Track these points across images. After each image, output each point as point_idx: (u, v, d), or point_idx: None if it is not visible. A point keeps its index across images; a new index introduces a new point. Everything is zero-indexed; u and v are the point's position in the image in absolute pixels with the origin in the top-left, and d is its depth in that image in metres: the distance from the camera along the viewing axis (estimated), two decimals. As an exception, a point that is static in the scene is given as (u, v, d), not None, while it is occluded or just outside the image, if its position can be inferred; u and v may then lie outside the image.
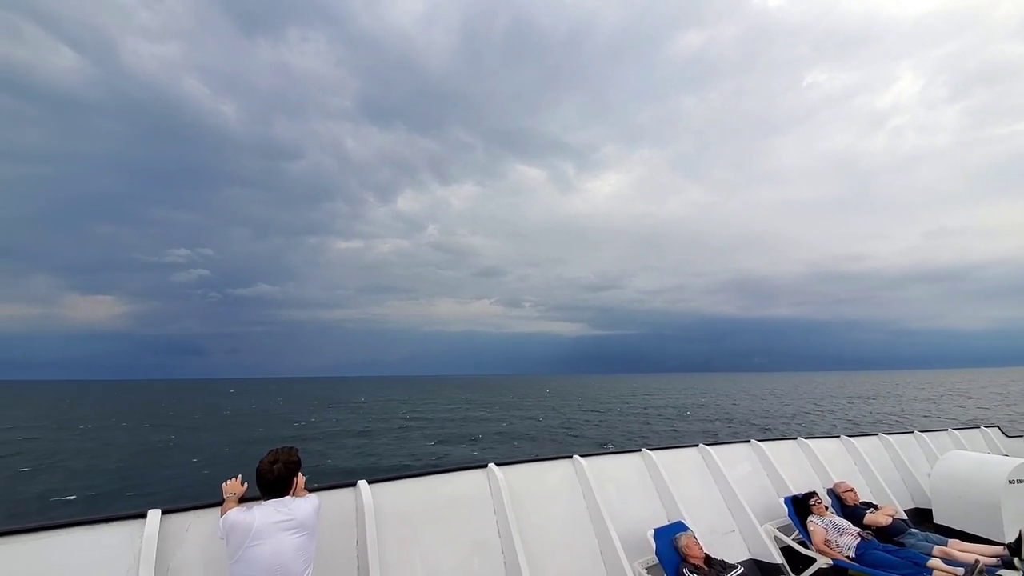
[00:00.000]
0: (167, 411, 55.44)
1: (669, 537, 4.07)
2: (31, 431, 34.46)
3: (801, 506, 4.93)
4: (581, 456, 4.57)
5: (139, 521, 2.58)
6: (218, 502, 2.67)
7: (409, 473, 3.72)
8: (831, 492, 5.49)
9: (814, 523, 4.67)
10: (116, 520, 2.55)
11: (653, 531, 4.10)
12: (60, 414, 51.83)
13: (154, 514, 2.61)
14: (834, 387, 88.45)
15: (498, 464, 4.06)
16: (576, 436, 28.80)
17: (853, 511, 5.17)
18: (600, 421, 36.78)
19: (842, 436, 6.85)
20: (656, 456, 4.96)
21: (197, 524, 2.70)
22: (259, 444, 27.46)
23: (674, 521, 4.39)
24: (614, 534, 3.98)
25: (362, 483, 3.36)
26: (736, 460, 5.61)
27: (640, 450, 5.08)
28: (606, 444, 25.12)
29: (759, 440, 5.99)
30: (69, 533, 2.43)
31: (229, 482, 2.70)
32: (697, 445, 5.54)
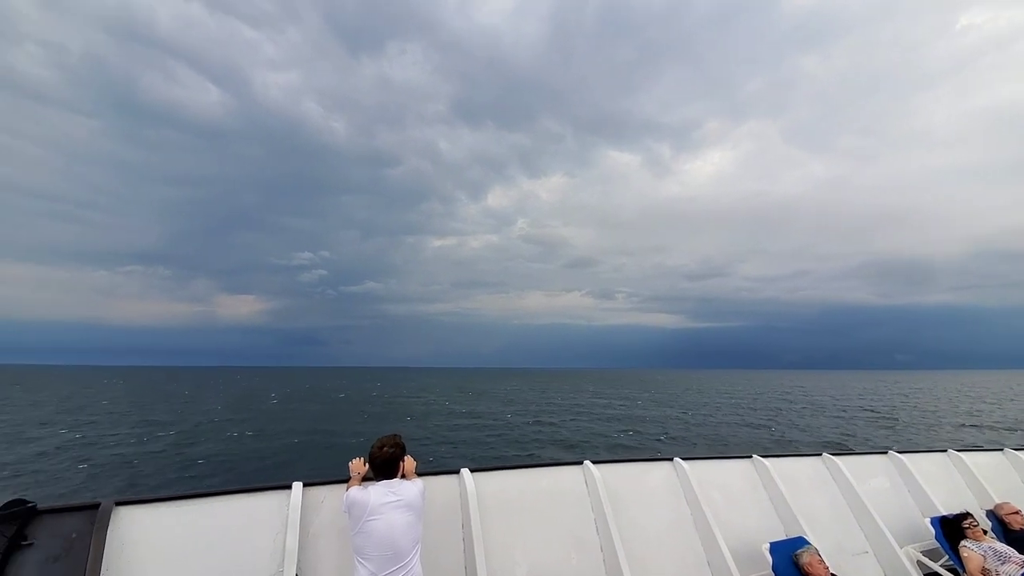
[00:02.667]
0: (310, 393, 63.85)
1: (788, 553, 3.76)
2: (236, 410, 41.44)
3: (953, 528, 4.26)
4: (683, 459, 4.39)
5: (286, 491, 3.02)
6: (346, 479, 3.04)
7: (508, 465, 3.86)
8: (991, 514, 4.69)
9: (969, 548, 4.00)
10: (269, 489, 3.02)
11: (769, 545, 3.83)
12: (251, 393, 62.56)
13: (297, 486, 3.04)
14: (998, 389, 73.33)
15: (594, 462, 4.06)
16: (673, 437, 27.52)
17: (1019, 537, 4.35)
18: (701, 421, 34.62)
19: (1006, 449, 5.77)
20: (770, 464, 4.59)
21: (330, 497, 3.10)
22: (377, 428, 30.39)
23: (794, 536, 4.05)
24: (723, 544, 3.79)
25: (465, 471, 3.58)
26: (870, 473, 5.01)
27: (751, 456, 4.74)
28: (715, 446, 23.68)
29: (899, 452, 5.25)
30: (237, 498, 2.94)
31: (355, 462, 3.04)
32: (820, 454, 5.03)
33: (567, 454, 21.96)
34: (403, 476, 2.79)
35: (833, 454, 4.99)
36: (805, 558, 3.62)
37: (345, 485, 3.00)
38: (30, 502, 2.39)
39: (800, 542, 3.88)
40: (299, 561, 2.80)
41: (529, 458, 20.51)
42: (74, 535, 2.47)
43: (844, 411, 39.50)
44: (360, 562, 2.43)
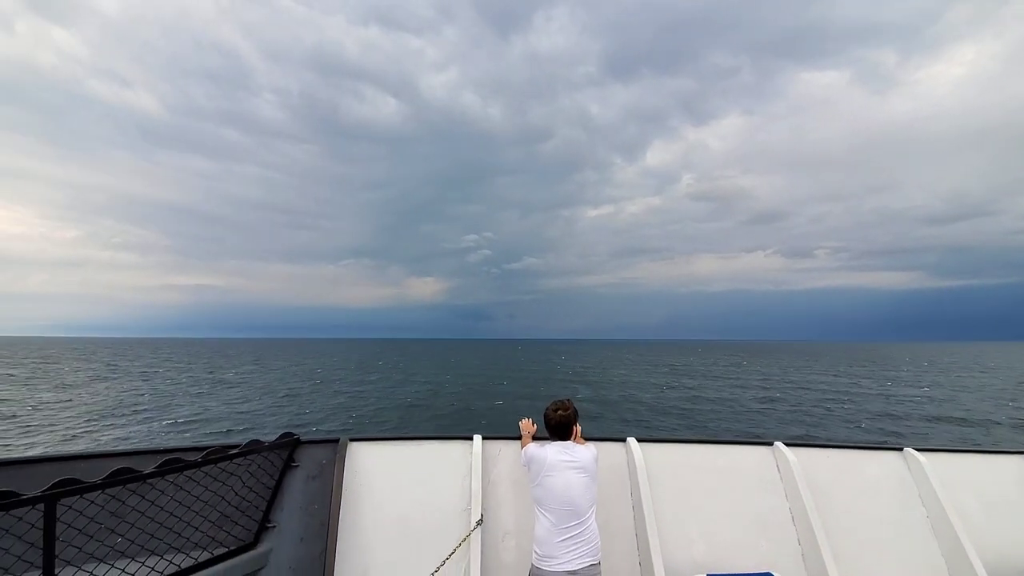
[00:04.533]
0: (491, 363, 72.48)
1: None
2: (440, 372, 51.00)
3: None
4: (917, 450, 3.54)
5: (468, 442, 3.47)
6: (517, 436, 3.36)
7: (680, 438, 3.72)
8: None
9: None
10: (455, 439, 3.51)
11: None
12: (443, 360, 75.35)
13: (477, 438, 3.47)
14: None
15: (788, 444, 3.58)
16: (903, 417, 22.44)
17: None
18: (942, 409, 27.43)
19: None
20: None
21: (506, 450, 3.46)
22: (545, 393, 32.82)
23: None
24: (975, 558, 3.01)
25: (632, 440, 3.54)
26: None
27: None
28: (967, 438, 18.69)
29: None
30: (431, 444, 3.49)
31: (525, 421, 3.35)
32: None
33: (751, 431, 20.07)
34: (574, 440, 2.93)
35: None
36: None
37: (518, 442, 3.35)
38: (295, 435, 3.19)
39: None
40: (482, 502, 3.21)
41: (698, 432, 19.41)
42: (323, 461, 3.30)
43: None
44: (541, 512, 2.67)
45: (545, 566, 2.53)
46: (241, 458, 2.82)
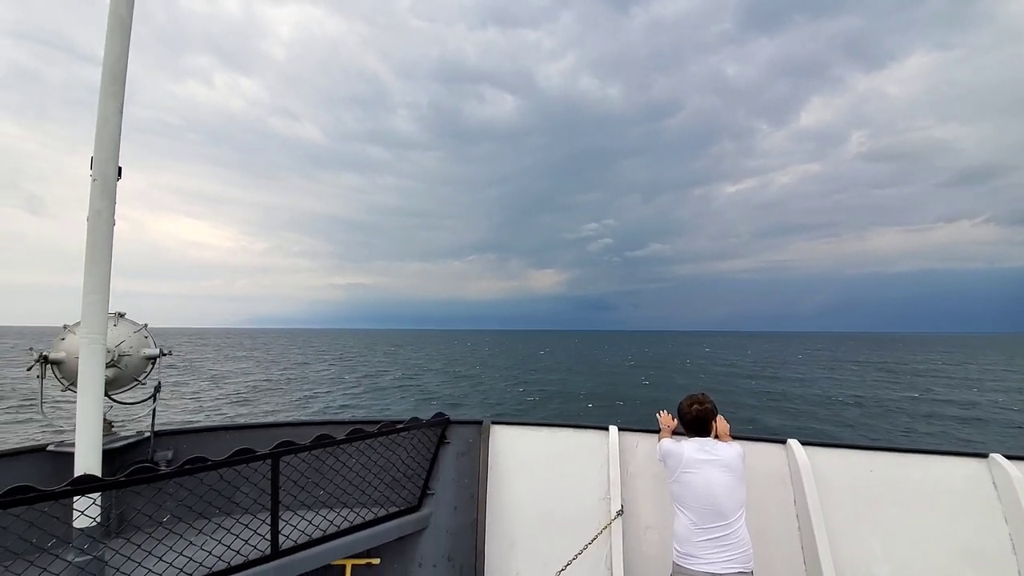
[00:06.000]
0: (621, 354, 71.61)
1: None
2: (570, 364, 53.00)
3: None
4: None
5: (604, 432, 3.46)
6: (655, 430, 3.25)
7: (858, 444, 3.18)
8: None
9: None
10: (591, 428, 3.52)
11: None
12: (566, 349, 77.36)
13: (613, 429, 3.44)
14: None
15: (1009, 457, 2.82)
16: None
17: None
18: None
19: None
20: None
21: (643, 443, 3.38)
22: (682, 386, 31.04)
23: None
24: None
25: (793, 442, 3.15)
26: None
27: None
28: None
29: None
30: (568, 431, 3.55)
31: (663, 415, 3.22)
32: None
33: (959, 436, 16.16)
34: (716, 436, 2.75)
35: None
36: None
37: (655, 436, 3.23)
38: (446, 415, 3.58)
39: None
40: (622, 493, 3.20)
41: (882, 439, 16.19)
42: (470, 440, 3.65)
43: None
44: (680, 510, 2.57)
45: (687, 564, 2.44)
46: (406, 432, 3.30)
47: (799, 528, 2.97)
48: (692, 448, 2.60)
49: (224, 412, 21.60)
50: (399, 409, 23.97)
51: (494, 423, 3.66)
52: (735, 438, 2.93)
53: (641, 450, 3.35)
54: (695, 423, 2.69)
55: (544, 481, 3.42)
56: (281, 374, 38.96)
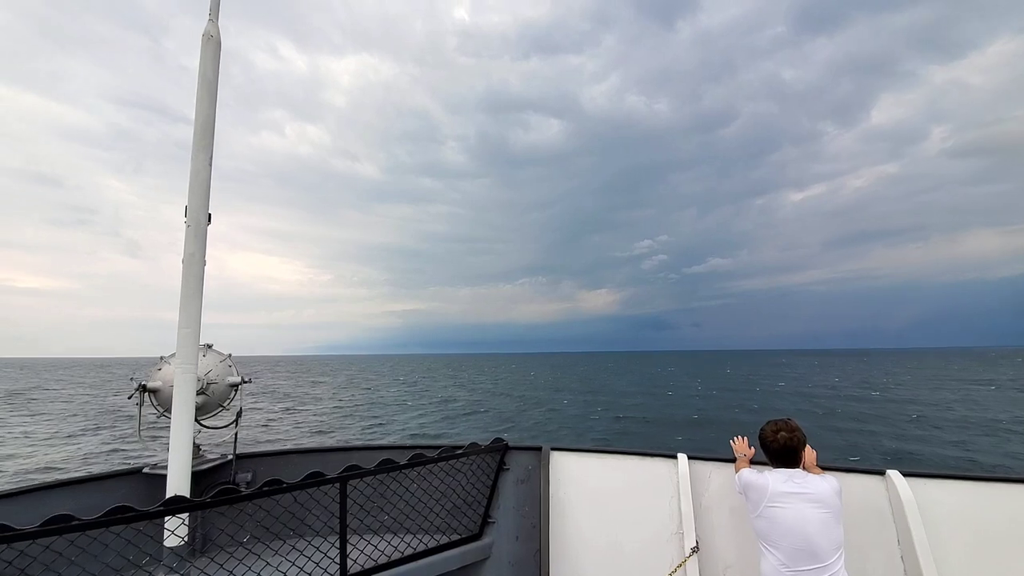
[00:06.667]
0: (684, 376, 68.08)
1: None
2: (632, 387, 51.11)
3: None
4: None
5: (672, 460, 3.21)
6: (730, 459, 2.97)
7: (972, 475, 2.73)
8: None
9: None
10: (657, 456, 3.30)
11: None
12: (623, 372, 75.47)
13: (682, 457, 3.19)
14: None
15: None
16: None
17: None
18: None
19: None
20: None
21: (716, 473, 3.09)
22: (755, 412, 28.77)
23: None
24: None
25: (893, 473, 2.77)
26: None
27: None
28: None
29: None
30: (632, 459, 3.36)
31: (738, 442, 2.93)
32: None
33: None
34: (803, 468, 2.46)
35: None
36: None
37: (730, 465, 2.95)
38: (504, 440, 3.52)
39: None
40: (695, 527, 2.95)
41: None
42: (529, 467, 3.55)
43: None
44: (767, 548, 2.31)
45: None
46: (465, 457, 3.27)
47: (905, 572, 2.58)
48: (778, 480, 2.34)
49: (296, 436, 22.84)
50: (467, 434, 24.08)
51: (553, 449, 3.54)
52: (823, 468, 2.64)
53: (715, 481, 3.08)
54: (782, 453, 2.40)
55: (609, 512, 3.23)
56: (350, 398, 40.77)
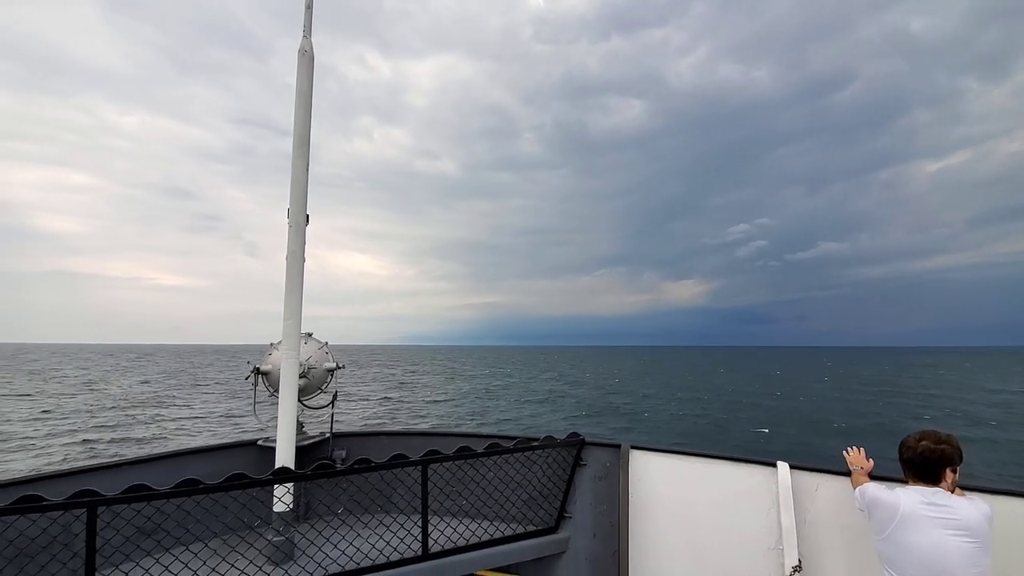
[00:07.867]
0: (775, 375, 62.39)
1: None
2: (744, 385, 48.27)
3: None
4: None
5: (770, 468, 2.89)
6: (845, 471, 2.60)
7: None
8: None
9: None
10: (754, 463, 2.98)
11: None
12: (713, 370, 71.45)
13: (783, 466, 2.85)
14: None
15: None
16: None
17: None
18: None
19: None
20: None
21: (825, 486, 2.73)
22: (883, 419, 25.24)
23: None
24: None
25: None
26: None
27: None
28: None
29: None
30: (724, 464, 3.06)
31: (854, 453, 2.58)
32: None
33: None
34: (949, 488, 2.07)
35: None
36: None
37: (843, 478, 2.60)
38: (581, 435, 3.44)
39: None
40: (798, 544, 2.65)
41: None
42: (608, 464, 3.41)
43: None
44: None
45: None
46: (541, 450, 3.26)
47: None
48: (913, 499, 1.99)
49: (383, 419, 24.80)
50: (551, 425, 24.17)
51: (633, 448, 3.36)
52: (964, 488, 2.22)
53: (823, 494, 2.72)
54: (922, 465, 2.05)
55: (696, 518, 3.01)
56: (440, 385, 43.20)
